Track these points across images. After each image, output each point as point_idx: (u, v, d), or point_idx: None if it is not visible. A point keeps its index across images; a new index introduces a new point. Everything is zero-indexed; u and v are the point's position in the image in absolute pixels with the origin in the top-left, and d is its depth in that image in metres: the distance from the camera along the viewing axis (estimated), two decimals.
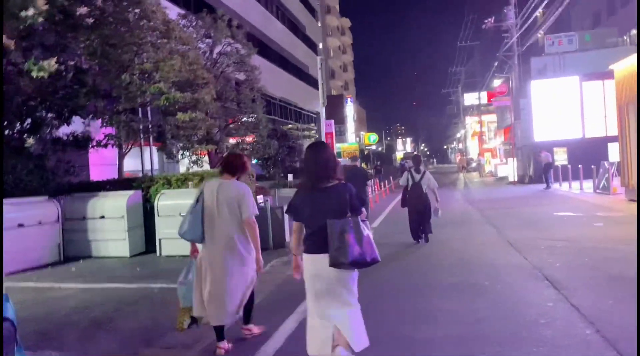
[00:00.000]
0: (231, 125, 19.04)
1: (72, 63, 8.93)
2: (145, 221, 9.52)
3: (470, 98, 58.76)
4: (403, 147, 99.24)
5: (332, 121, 28.06)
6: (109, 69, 9.59)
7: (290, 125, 32.93)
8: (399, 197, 9.67)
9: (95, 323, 5.11)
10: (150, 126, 11.77)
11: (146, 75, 10.00)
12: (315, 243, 3.27)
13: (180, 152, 17.46)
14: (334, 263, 3.18)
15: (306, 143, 38.65)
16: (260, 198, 11.03)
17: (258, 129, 19.14)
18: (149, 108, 12.10)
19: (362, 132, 68.59)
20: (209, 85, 11.95)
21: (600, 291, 5.19)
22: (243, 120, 18.80)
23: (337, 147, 31.63)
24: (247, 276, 4.18)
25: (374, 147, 37.40)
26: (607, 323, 4.17)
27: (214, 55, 19.31)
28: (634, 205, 11.72)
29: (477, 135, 60.57)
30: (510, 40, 24.58)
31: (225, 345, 4.06)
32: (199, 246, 4.23)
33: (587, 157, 21.23)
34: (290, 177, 25.04)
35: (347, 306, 3.28)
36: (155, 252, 9.07)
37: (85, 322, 5.16)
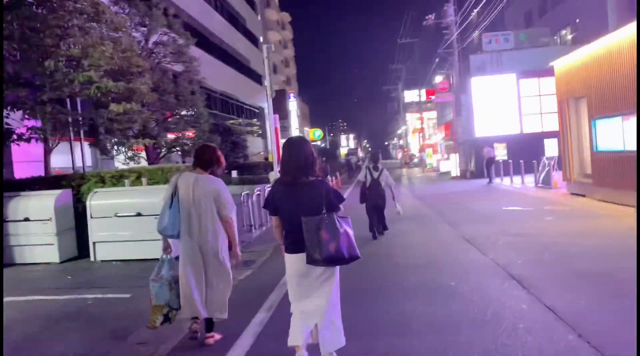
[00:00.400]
0: (170, 119, 18.02)
1: None
2: (78, 223, 8.60)
3: (410, 95, 59.92)
4: (347, 143, 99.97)
5: (277, 116, 27.36)
6: (29, 55, 8.55)
7: (232, 121, 31.92)
8: (348, 193, 9.39)
9: (14, 347, 4.33)
10: (80, 119, 10.71)
11: (74, 63, 9.02)
12: (295, 241, 3.22)
13: (115, 147, 16.35)
14: (309, 261, 3.13)
15: (250, 139, 37.89)
16: None
17: (199, 123, 18.27)
18: (78, 99, 11.02)
19: (305, 128, 68.28)
20: (145, 75, 11.05)
21: (570, 289, 5.01)
22: (182, 113, 17.82)
23: (281, 143, 31.13)
24: (226, 271, 4.13)
25: (318, 143, 37.12)
26: (587, 325, 3.95)
27: (150, 45, 18.20)
28: (579, 199, 12.03)
29: (418, 131, 61.99)
30: (451, 37, 24.95)
31: (214, 334, 4.10)
32: (172, 241, 4.17)
33: (526, 152, 21.98)
34: (234, 173, 24.21)
35: (327, 305, 3.26)
36: (89, 256, 8.19)
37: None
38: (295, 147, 3.31)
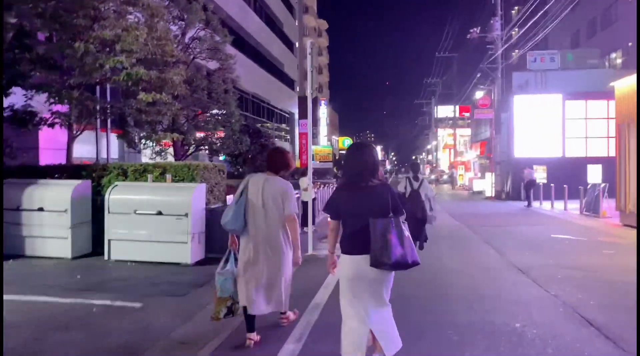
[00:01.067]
0: (200, 117, 17.51)
1: (12, 21, 7.35)
2: (95, 217, 8.02)
3: (444, 111, 58.74)
4: None
5: (306, 121, 26.77)
6: (60, 35, 8.04)
7: (267, 123, 31.43)
8: None
9: None
10: (108, 107, 10.19)
11: (105, 47, 8.49)
12: (355, 243, 3.24)
13: (143, 140, 15.90)
14: (375, 264, 3.14)
15: (278, 143, 37.36)
16: (229, 198, 9.67)
17: (229, 122, 17.69)
18: (107, 86, 10.51)
19: (334, 136, 67.63)
20: (179, 66, 10.47)
21: None
22: (214, 111, 17.29)
23: (310, 149, 30.59)
24: (287, 270, 4.26)
25: None
26: None
27: (186, 40, 17.78)
28: (634, 232, 10.94)
29: (449, 147, 60.67)
30: (496, 52, 23.98)
31: (254, 336, 4.13)
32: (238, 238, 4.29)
33: (566, 176, 20.81)
34: None
35: (384, 308, 3.31)
36: (103, 254, 7.59)
37: None
38: (362, 152, 3.35)
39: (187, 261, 7.29)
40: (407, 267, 3.18)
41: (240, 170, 24.76)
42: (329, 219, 3.63)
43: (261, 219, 4.15)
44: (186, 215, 7.25)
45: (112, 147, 19.62)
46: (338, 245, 3.43)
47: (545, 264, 7.51)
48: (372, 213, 3.18)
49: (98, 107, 10.11)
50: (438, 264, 7.57)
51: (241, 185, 4.33)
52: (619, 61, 29.53)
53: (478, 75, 26.82)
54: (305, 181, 11.44)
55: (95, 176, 8.47)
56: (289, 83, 50.33)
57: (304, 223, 11.38)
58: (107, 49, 8.42)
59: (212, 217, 7.78)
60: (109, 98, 11.02)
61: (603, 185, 14.59)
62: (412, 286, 5.93)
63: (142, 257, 7.41)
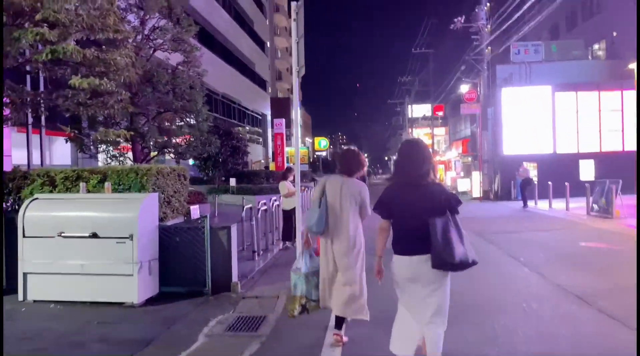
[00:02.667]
0: (164, 116, 15.44)
1: None
2: (9, 242, 5.99)
3: (419, 110, 57.59)
4: None
5: (283, 120, 24.96)
6: None
7: (240, 127, 29.45)
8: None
9: None
10: (39, 99, 8.12)
11: (20, 19, 6.47)
12: (410, 243, 3.16)
13: (100, 146, 13.94)
14: (438, 264, 3.06)
15: (251, 146, 35.35)
16: (194, 210, 7.75)
17: (196, 122, 15.70)
18: (41, 74, 8.43)
19: (307, 138, 65.87)
20: (127, 44, 8.51)
21: None
22: (178, 110, 15.23)
23: (286, 151, 28.52)
24: (361, 272, 4.19)
25: (323, 153, 34.59)
26: None
27: (146, 31, 15.73)
28: None
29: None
30: (481, 42, 22.63)
31: (343, 335, 4.18)
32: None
33: (558, 174, 19.57)
34: (232, 181, 21.61)
35: (439, 316, 3.18)
36: (17, 292, 5.57)
37: None
38: (413, 149, 3.28)
39: (133, 299, 5.36)
40: (468, 266, 3.09)
41: (210, 174, 22.69)
42: (380, 221, 3.37)
43: (340, 221, 4.16)
44: (131, 237, 5.32)
45: (63, 151, 17.38)
46: None
47: (603, 287, 5.86)
48: (429, 212, 3.08)
49: (27, 100, 8.04)
50: (469, 289, 5.82)
51: (318, 188, 4.36)
52: (600, 53, 28.66)
53: (462, 67, 25.43)
54: (286, 186, 9.59)
55: (14, 186, 6.45)
56: (261, 83, 48.30)
57: (287, 237, 9.52)
58: (23, 17, 6.39)
59: (169, 238, 5.87)
60: (42, 89, 8.91)
61: (618, 181, 13.15)
62: (461, 339, 4.15)
63: (70, 295, 5.44)
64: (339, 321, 4.17)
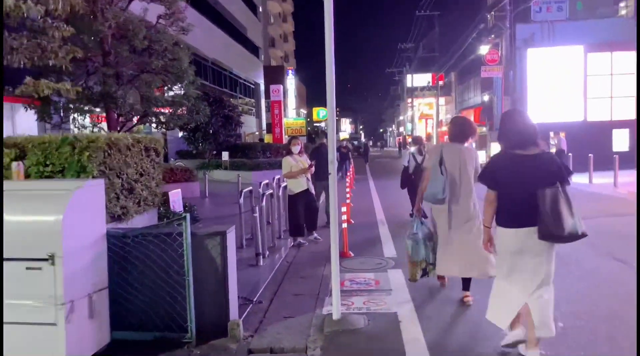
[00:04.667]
0: (142, 75, 12.93)
1: None
2: None
3: (420, 79, 54.90)
4: (344, 127, 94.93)
5: (281, 86, 22.45)
6: None
7: (234, 97, 26.86)
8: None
9: None
10: None
11: None
12: (519, 214, 3.08)
13: (72, 115, 11.72)
14: (546, 236, 2.99)
15: (244, 117, 32.72)
16: (174, 199, 5.44)
17: (180, 83, 13.23)
18: None
19: (302, 109, 63.14)
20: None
21: None
22: (158, 68, 12.72)
23: (283, 121, 26.10)
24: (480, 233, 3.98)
25: (323, 124, 32.03)
26: None
27: None
28: None
29: (427, 117, 57.20)
30: None
31: (470, 295, 4.32)
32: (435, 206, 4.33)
33: (589, 144, 17.46)
34: (225, 155, 19.22)
35: (545, 286, 3.11)
36: None
37: None
38: (519, 117, 3.23)
39: None
40: (577, 238, 2.98)
41: (200, 148, 20.25)
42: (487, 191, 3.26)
43: (458, 188, 4.24)
44: (51, 258, 3.03)
45: (29, 122, 14.88)
46: None
47: None
48: (539, 182, 2.99)
49: None
50: (585, 308, 3.62)
51: (433, 155, 4.35)
52: (624, 11, 26.14)
53: (481, 26, 22.82)
54: (289, 162, 7.21)
55: None
56: (254, 50, 45.28)
57: (296, 231, 7.21)
58: None
59: (126, 252, 3.60)
60: None
61: None
62: None
63: None
64: (465, 281, 4.34)
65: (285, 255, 6.50)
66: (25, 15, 4.72)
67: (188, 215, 3.48)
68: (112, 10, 12.22)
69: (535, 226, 3.00)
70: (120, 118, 13.21)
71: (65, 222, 3.05)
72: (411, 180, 8.38)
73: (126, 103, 12.36)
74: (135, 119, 13.70)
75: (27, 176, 3.82)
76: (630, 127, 19.34)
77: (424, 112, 58.39)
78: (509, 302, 3.16)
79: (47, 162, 3.87)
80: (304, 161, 7.10)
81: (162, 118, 13.48)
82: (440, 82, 51.89)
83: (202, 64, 30.60)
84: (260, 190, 7.99)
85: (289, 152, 7.25)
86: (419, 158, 8.22)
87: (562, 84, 19.69)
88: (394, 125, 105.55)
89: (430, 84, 54.20)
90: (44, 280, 3.06)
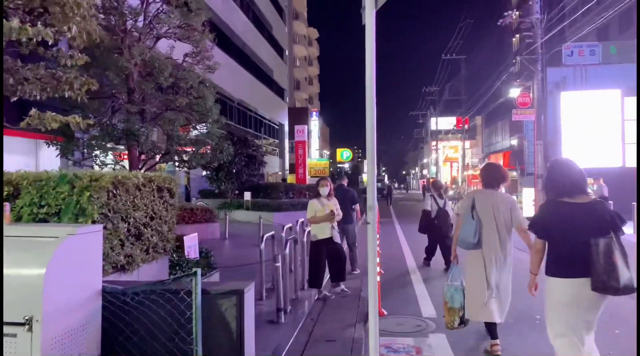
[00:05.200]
0: (165, 113, 12.72)
1: None
2: None
3: (444, 123, 54.50)
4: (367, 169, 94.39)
5: (305, 127, 22.19)
6: None
7: (258, 138, 26.69)
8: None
9: None
10: None
11: None
12: (572, 264, 2.97)
13: (94, 152, 11.61)
14: (600, 288, 2.87)
15: (267, 157, 32.50)
16: (190, 244, 4.88)
17: (204, 122, 12.94)
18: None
19: (324, 150, 63.04)
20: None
21: None
22: (184, 105, 12.51)
23: (307, 162, 25.68)
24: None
25: (346, 165, 31.58)
26: None
27: (148, 18, 13.12)
28: None
29: (452, 160, 56.43)
30: (535, 40, 19.60)
31: (498, 343, 4.30)
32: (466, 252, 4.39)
33: (628, 191, 16.48)
34: (247, 195, 18.79)
35: (592, 335, 3.06)
36: None
37: None
38: (567, 165, 3.20)
39: None
40: (633, 291, 2.86)
41: (222, 187, 19.87)
42: (534, 238, 3.29)
43: (494, 233, 4.27)
44: (28, 323, 2.45)
45: (51, 157, 14.76)
46: None
47: None
48: (591, 232, 2.91)
49: None
50: None
51: (466, 202, 4.43)
52: None
53: (512, 69, 22.35)
54: (314, 207, 6.59)
55: None
56: (279, 92, 45.69)
57: (315, 281, 6.51)
58: None
59: (124, 312, 3.01)
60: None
61: None
62: None
63: None
64: (493, 330, 4.28)
65: (310, 310, 5.82)
66: (35, 40, 4.33)
67: (199, 271, 2.89)
68: (139, 47, 12.15)
69: (588, 277, 2.90)
70: (143, 156, 12.95)
71: (49, 277, 2.49)
72: (434, 225, 8.49)
73: (148, 141, 12.09)
74: (157, 157, 13.43)
75: (19, 219, 3.32)
76: None
77: (449, 155, 57.72)
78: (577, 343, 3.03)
79: (43, 203, 3.37)
80: (332, 205, 6.50)
81: (185, 157, 13.15)
82: (466, 126, 51.43)
83: (227, 104, 30.77)
84: (283, 234, 7.40)
85: (317, 194, 6.67)
86: (441, 203, 8.45)
87: (598, 128, 18.93)
88: (417, 168, 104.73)
89: (455, 127, 53.80)
90: (19, 350, 2.48)
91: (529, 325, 5.10)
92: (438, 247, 8.62)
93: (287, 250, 5.70)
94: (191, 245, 5.76)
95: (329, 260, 6.39)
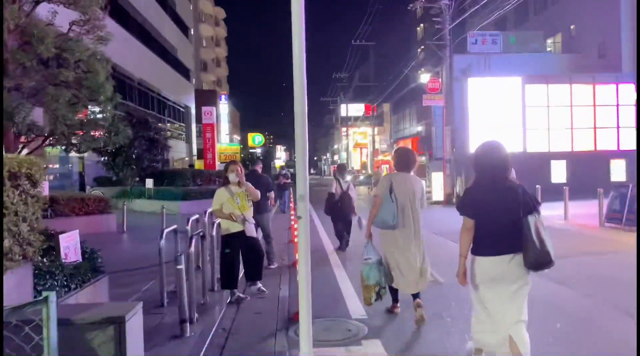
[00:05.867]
0: (47, 89, 10.97)
1: None
2: None
3: (354, 109, 54.99)
4: (279, 155, 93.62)
5: (213, 109, 20.87)
6: None
7: (167, 122, 24.80)
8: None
9: None
10: None
11: None
12: (498, 243, 3.13)
13: None
14: (534, 265, 3.07)
15: (172, 142, 30.45)
16: (67, 244, 3.82)
17: (96, 100, 11.36)
18: None
19: (235, 136, 61.21)
20: None
21: None
22: (70, 79, 10.86)
23: (216, 146, 24.27)
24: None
25: (258, 151, 30.40)
26: None
27: None
28: None
29: (362, 146, 57.35)
30: (444, 26, 19.80)
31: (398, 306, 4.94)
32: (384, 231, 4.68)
33: (528, 175, 17.28)
34: (149, 182, 17.20)
35: (522, 315, 3.15)
36: None
37: None
38: (494, 149, 3.27)
39: None
40: (552, 264, 3.07)
41: (120, 174, 18.06)
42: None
43: (409, 214, 4.63)
44: None
45: None
46: None
47: None
48: (517, 212, 3.08)
49: None
50: None
51: (384, 184, 4.69)
52: (550, 48, 27.16)
53: (419, 53, 22.52)
54: (219, 197, 5.69)
55: None
56: (184, 72, 43.22)
57: (228, 281, 5.69)
58: None
59: None
60: None
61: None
62: None
63: None
64: (415, 295, 4.63)
65: (221, 316, 4.94)
66: None
67: (52, 296, 1.94)
68: (11, 9, 10.32)
69: (513, 253, 3.07)
70: (22, 139, 11.15)
71: None
72: (337, 207, 8.76)
73: (26, 121, 10.36)
74: (40, 140, 11.65)
75: None
76: (566, 159, 19.52)
77: (359, 141, 58.54)
78: (495, 334, 3.18)
79: None
80: (243, 195, 5.60)
81: (74, 140, 11.49)
82: (374, 113, 52.35)
83: (127, 84, 28.33)
84: (188, 227, 6.43)
85: (226, 181, 5.73)
86: (344, 185, 8.77)
87: (502, 114, 19.65)
88: (328, 154, 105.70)
89: (365, 114, 54.61)
90: None
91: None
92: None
93: (193, 248, 4.76)
94: (69, 245, 4.63)
95: (244, 256, 5.54)
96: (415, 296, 4.59)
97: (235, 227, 5.44)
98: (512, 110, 19.69)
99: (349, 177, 10.67)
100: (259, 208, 6.93)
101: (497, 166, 3.19)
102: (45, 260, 4.17)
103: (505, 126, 19.63)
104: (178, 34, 41.33)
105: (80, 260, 4.78)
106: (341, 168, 9.59)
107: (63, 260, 4.44)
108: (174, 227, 5.61)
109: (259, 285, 5.78)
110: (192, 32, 49.15)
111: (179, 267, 4.32)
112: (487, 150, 3.28)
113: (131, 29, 28.70)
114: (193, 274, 4.73)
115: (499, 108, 19.63)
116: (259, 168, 8.10)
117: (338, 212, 8.79)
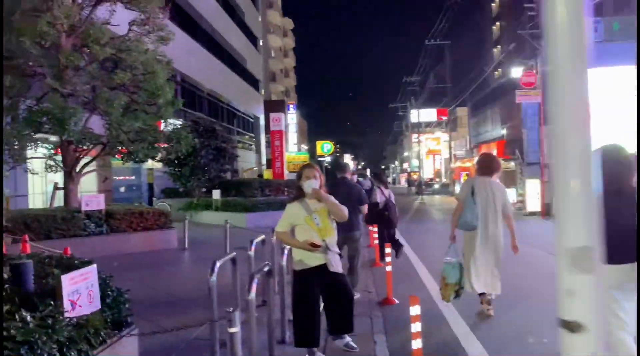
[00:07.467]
0: (103, 92, 10.06)
1: None
2: None
3: (425, 115, 52.35)
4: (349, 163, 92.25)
5: (282, 115, 19.60)
6: None
7: (237, 133, 24.02)
8: None
9: None
10: None
11: None
12: (619, 252, 2.73)
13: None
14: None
15: (241, 152, 29.78)
16: (71, 284, 2.26)
17: (154, 104, 10.31)
18: None
19: (302, 145, 60.47)
20: None
21: None
22: (126, 81, 9.90)
23: (284, 155, 23.08)
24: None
25: (327, 159, 29.10)
26: None
27: None
28: None
29: (434, 153, 54.59)
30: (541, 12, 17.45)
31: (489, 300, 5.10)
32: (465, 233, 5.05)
33: None
34: (216, 193, 16.15)
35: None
36: None
37: None
38: (618, 151, 3.00)
39: None
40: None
41: (187, 185, 17.13)
42: None
43: (490, 217, 4.89)
44: None
45: None
46: None
47: None
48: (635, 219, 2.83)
49: None
50: None
51: (465, 187, 5.02)
52: None
53: (511, 45, 20.10)
54: (292, 214, 4.03)
55: None
56: (253, 83, 42.91)
57: (306, 340, 4.00)
58: None
59: None
60: None
61: None
62: None
63: None
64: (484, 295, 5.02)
65: None
66: None
67: None
68: (64, 8, 9.46)
69: (634, 262, 2.88)
70: (73, 148, 10.30)
71: None
72: (384, 216, 8.49)
73: (77, 128, 9.44)
74: (94, 150, 10.79)
75: None
76: None
77: (431, 148, 55.72)
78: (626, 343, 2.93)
79: None
80: (325, 213, 3.92)
81: (130, 148, 10.51)
82: (444, 118, 49.55)
83: (196, 94, 28.03)
84: (251, 252, 4.92)
85: (300, 193, 4.08)
86: (387, 194, 8.58)
87: (615, 109, 16.85)
88: (396, 162, 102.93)
89: (436, 120, 51.86)
90: None
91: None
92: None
93: (253, 293, 3.18)
94: (79, 289, 3.21)
95: (327, 299, 3.89)
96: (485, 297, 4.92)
97: (314, 260, 3.77)
98: (625, 105, 16.87)
99: (434, 186, 10.27)
100: (350, 225, 5.27)
101: (622, 171, 2.95)
102: (32, 317, 2.73)
103: (618, 123, 16.82)
104: (247, 44, 41.09)
105: (99, 308, 3.35)
106: (381, 176, 9.52)
107: (66, 314, 3.00)
108: (232, 255, 4.11)
109: (348, 339, 4.05)
110: (260, 43, 48.99)
111: (231, 330, 2.74)
112: (611, 152, 2.94)
113: (200, 40, 28.43)
114: (255, 328, 3.16)
115: (613, 103, 16.88)
116: (348, 175, 6.39)
117: (386, 220, 8.53)
